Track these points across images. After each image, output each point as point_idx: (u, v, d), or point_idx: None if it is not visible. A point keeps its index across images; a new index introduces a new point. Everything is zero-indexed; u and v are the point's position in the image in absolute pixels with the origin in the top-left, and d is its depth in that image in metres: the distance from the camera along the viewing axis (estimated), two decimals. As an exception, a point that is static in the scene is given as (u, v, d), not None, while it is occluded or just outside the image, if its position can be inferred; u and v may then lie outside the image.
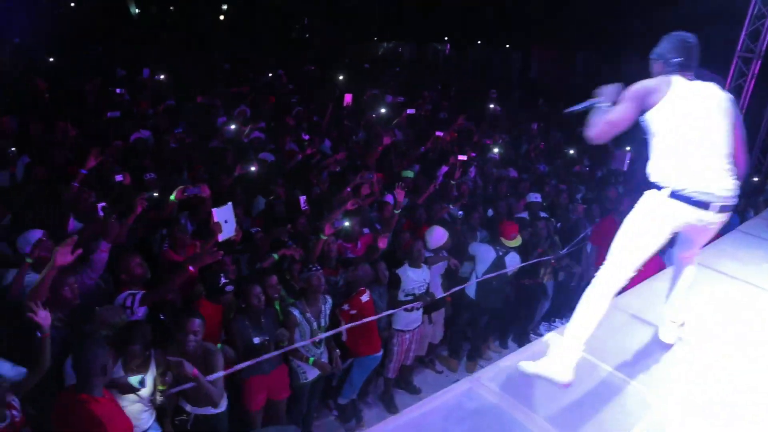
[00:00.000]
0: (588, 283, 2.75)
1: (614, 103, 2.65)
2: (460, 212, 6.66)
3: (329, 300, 4.58)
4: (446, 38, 34.72)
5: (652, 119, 2.63)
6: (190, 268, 3.64)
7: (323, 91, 11.62)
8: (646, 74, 2.73)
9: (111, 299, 3.65)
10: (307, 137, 7.70)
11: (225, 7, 27.36)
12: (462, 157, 7.64)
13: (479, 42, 35.81)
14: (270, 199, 5.78)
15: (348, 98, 9.71)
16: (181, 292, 4.04)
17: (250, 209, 5.91)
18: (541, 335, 7.17)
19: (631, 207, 2.76)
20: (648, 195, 2.69)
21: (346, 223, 5.33)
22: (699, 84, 2.66)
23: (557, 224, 7.01)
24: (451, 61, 31.66)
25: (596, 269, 2.78)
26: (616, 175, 9.50)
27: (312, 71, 14.72)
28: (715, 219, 2.61)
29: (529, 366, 2.81)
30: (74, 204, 4.64)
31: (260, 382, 4.14)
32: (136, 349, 3.14)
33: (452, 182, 7.11)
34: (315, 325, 4.39)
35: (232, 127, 7.44)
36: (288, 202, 5.63)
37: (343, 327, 4.57)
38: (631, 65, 20.11)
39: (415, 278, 5.23)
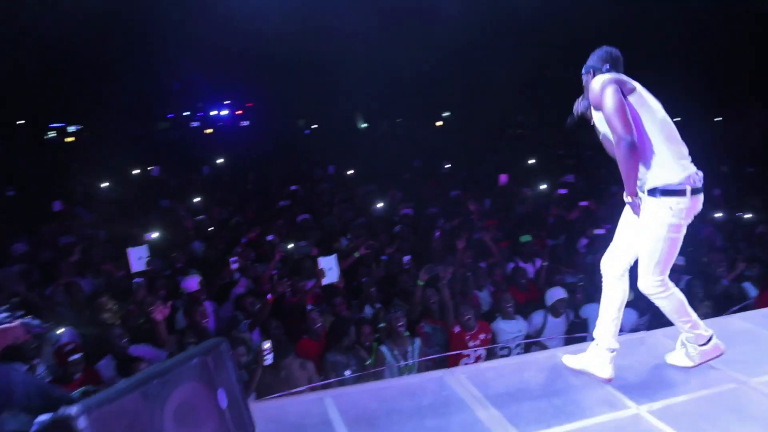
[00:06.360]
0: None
1: None
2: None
3: (417, 341, 4.97)
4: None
5: None
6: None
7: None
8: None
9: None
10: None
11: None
12: (600, 231, 7.54)
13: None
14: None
15: (503, 178, 10.60)
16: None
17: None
18: None
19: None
20: None
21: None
22: None
23: None
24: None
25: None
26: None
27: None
28: None
29: (570, 360, 3.15)
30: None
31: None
32: None
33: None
34: (402, 363, 4.81)
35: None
36: (392, 261, 6.39)
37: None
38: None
39: (509, 330, 5.39)
